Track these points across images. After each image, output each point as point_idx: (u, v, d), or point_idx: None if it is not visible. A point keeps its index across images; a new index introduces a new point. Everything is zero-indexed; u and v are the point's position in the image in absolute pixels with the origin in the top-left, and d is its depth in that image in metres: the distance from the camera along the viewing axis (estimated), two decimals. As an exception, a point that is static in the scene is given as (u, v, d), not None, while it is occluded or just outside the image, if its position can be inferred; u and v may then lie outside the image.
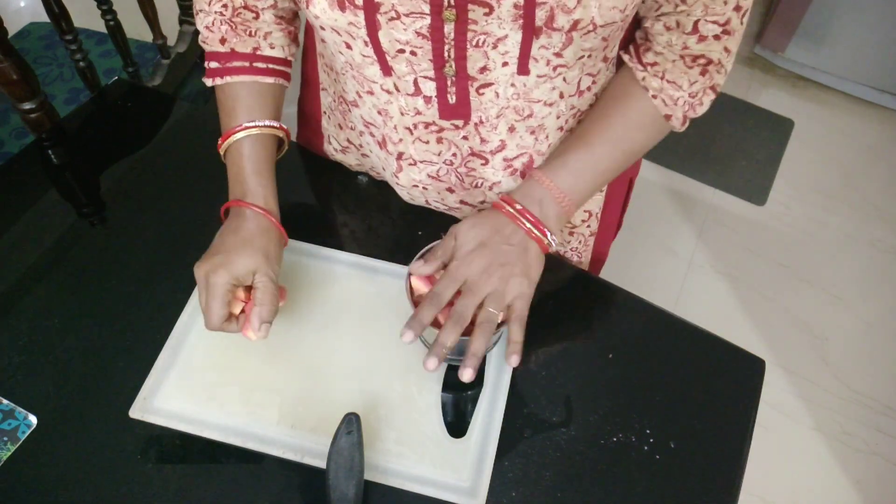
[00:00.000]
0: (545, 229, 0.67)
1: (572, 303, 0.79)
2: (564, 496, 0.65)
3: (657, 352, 0.75)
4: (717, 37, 0.64)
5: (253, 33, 0.72)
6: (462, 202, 0.79)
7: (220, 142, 0.71)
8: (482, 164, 0.72)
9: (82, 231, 0.82)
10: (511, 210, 0.67)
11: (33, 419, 0.66)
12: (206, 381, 0.68)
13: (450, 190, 0.77)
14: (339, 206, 0.87)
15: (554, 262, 0.82)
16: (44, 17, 1.22)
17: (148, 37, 1.45)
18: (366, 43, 0.60)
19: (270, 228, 0.68)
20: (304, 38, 0.82)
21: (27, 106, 1.06)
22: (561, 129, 0.71)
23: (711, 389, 0.73)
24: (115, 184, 0.87)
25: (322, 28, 0.62)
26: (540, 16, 0.55)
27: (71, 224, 0.83)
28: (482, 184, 0.75)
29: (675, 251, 1.91)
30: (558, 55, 0.60)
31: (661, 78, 0.67)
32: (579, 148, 0.69)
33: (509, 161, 0.72)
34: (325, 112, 0.86)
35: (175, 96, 1.33)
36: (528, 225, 0.66)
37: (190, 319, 0.72)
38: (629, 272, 1.84)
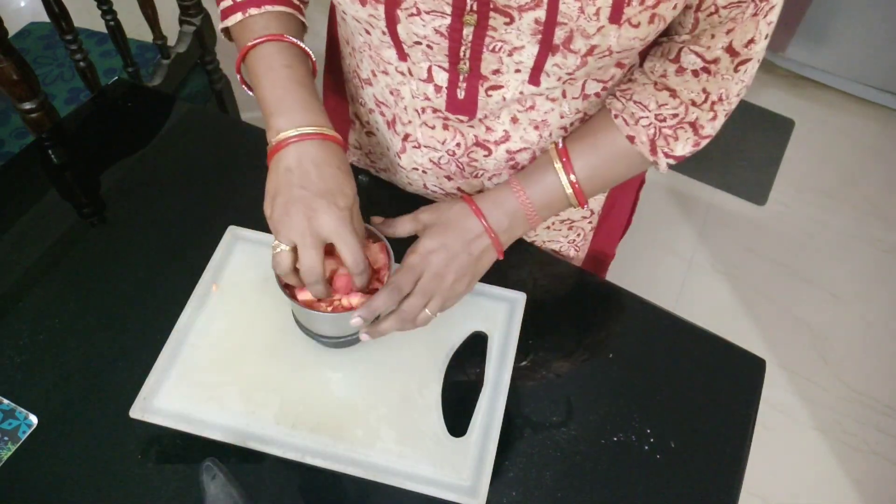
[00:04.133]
0: (502, 245, 0.67)
1: (572, 303, 0.79)
2: (564, 496, 0.65)
3: (657, 352, 0.75)
4: (695, 73, 0.61)
5: None
6: (459, 189, 0.79)
7: (243, 54, 0.64)
8: (485, 155, 0.72)
9: (82, 231, 0.82)
10: (483, 223, 0.66)
11: (34, 419, 0.66)
12: (206, 381, 0.68)
13: (448, 178, 0.77)
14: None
15: (555, 262, 0.82)
16: (44, 17, 1.22)
17: (148, 37, 1.45)
18: (384, 32, 0.61)
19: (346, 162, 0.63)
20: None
21: (27, 106, 1.06)
22: (565, 128, 0.71)
23: (711, 389, 0.73)
24: (115, 184, 0.87)
25: (344, 13, 0.63)
26: (559, 35, 0.55)
27: (71, 224, 0.83)
28: (482, 174, 0.75)
29: (675, 251, 1.91)
30: (570, 73, 0.60)
31: (628, 99, 0.65)
32: (560, 167, 0.67)
33: (512, 154, 0.72)
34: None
35: (175, 96, 1.33)
36: (493, 236, 0.66)
37: (190, 319, 0.72)
38: (630, 272, 1.84)
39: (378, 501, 0.63)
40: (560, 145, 0.68)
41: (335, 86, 0.86)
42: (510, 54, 0.59)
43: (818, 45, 2.19)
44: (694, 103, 0.64)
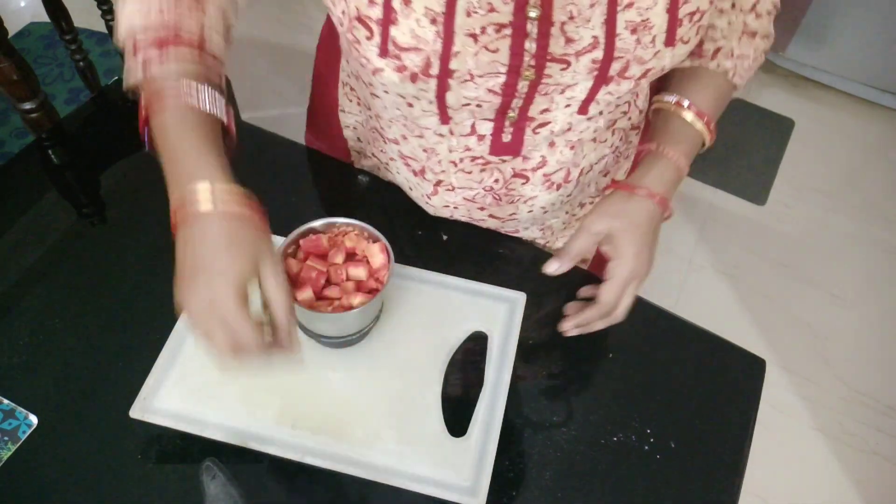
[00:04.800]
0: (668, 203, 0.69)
1: (572, 303, 0.79)
2: (564, 496, 0.65)
3: (657, 352, 0.75)
4: (769, 12, 0.68)
5: (202, 11, 0.58)
6: (490, 216, 0.78)
7: (144, 120, 0.57)
8: (522, 184, 0.72)
9: (82, 231, 0.82)
10: (652, 195, 0.67)
11: (34, 419, 0.66)
12: (206, 381, 0.68)
13: (481, 208, 0.77)
14: (341, 205, 0.86)
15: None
16: (44, 17, 1.22)
17: (148, 37, 1.44)
18: (430, 102, 0.60)
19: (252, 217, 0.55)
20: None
21: (27, 106, 1.06)
22: (594, 140, 0.71)
23: (711, 389, 0.73)
24: (115, 184, 0.87)
25: (385, 91, 0.61)
26: (615, 67, 0.56)
27: (71, 224, 0.83)
28: (517, 199, 0.75)
29: (675, 251, 1.91)
30: (620, 97, 0.61)
31: (731, 57, 0.69)
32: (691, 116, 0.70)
33: (548, 176, 0.72)
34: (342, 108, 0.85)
35: (175, 96, 1.33)
36: (665, 203, 0.68)
37: (190, 319, 0.71)
38: (629, 272, 1.84)
39: (378, 501, 0.63)
40: (675, 100, 0.70)
41: (324, 118, 0.85)
42: (562, 92, 0.59)
43: (818, 45, 2.19)
44: (765, 36, 0.70)
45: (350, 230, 0.68)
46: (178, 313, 0.52)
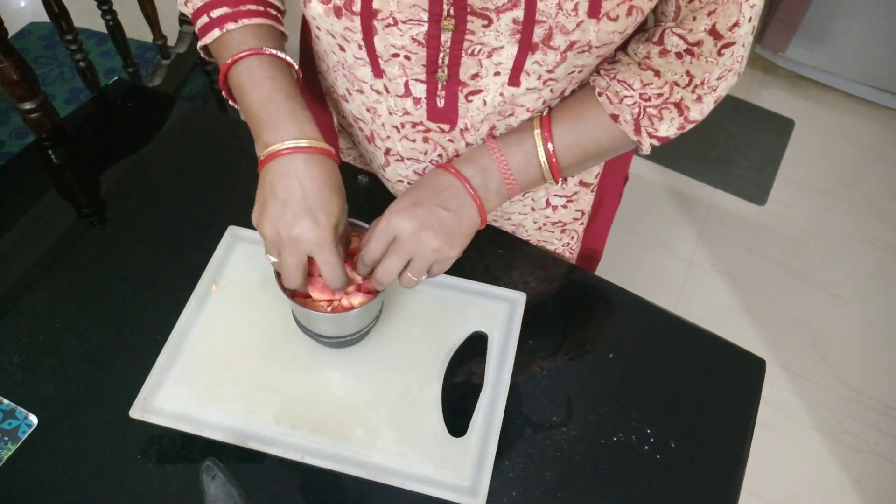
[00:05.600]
0: (481, 202, 0.64)
1: (572, 302, 0.79)
2: (564, 496, 0.65)
3: (657, 352, 0.75)
4: (678, 55, 0.61)
5: None
6: None
7: (225, 70, 0.62)
8: None
9: (82, 231, 0.82)
10: (454, 172, 0.64)
11: (34, 419, 0.66)
12: (206, 381, 0.68)
13: None
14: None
15: (556, 262, 0.82)
16: (44, 17, 1.22)
17: (148, 37, 1.45)
18: (360, 46, 0.60)
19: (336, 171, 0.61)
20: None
21: (27, 106, 1.06)
22: None
23: (711, 389, 0.73)
24: (115, 184, 0.87)
25: (318, 28, 0.62)
26: (538, 33, 0.55)
27: (71, 224, 0.83)
28: None
29: (675, 251, 1.91)
30: (550, 71, 0.60)
31: (612, 78, 0.64)
32: (538, 132, 0.65)
33: None
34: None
35: (175, 96, 1.33)
36: (468, 187, 0.63)
37: (190, 319, 0.72)
38: (629, 272, 1.84)
39: (378, 501, 0.63)
40: (544, 114, 0.66)
41: (312, 96, 0.85)
42: (489, 56, 0.59)
43: (818, 45, 2.19)
44: (677, 84, 0.62)
45: (350, 230, 0.68)
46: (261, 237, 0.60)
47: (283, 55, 0.63)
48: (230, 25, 0.62)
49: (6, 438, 0.65)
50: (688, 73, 0.62)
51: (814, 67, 2.27)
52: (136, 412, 0.65)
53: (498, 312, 0.75)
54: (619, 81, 0.63)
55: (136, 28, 1.50)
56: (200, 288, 0.74)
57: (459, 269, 0.77)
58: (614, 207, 0.92)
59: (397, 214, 0.61)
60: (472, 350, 0.72)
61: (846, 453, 1.58)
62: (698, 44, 0.60)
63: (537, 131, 0.64)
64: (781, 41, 2.25)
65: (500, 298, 0.75)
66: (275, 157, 0.59)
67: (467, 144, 0.69)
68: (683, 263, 1.89)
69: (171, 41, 1.47)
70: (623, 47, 0.65)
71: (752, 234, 1.95)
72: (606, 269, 0.97)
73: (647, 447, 0.68)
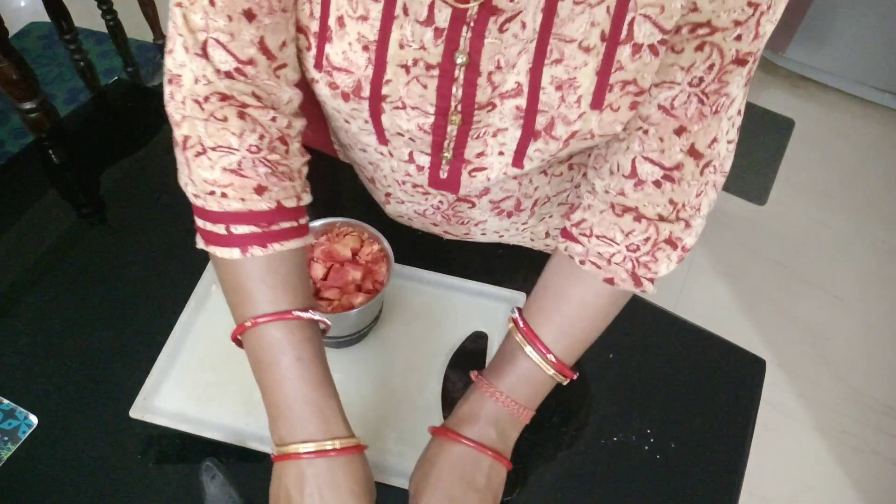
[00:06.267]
0: (502, 455, 0.58)
1: (572, 303, 0.79)
2: (564, 496, 0.65)
3: (657, 352, 0.75)
4: (657, 183, 0.54)
5: (292, 176, 0.55)
6: (446, 232, 0.78)
7: (241, 330, 0.54)
8: (469, 207, 0.71)
9: (82, 231, 0.82)
10: (468, 444, 0.57)
11: (34, 419, 0.66)
12: (206, 381, 0.68)
13: (434, 224, 0.76)
14: (341, 205, 0.86)
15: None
16: (44, 17, 1.22)
17: (148, 37, 1.45)
18: (366, 121, 0.59)
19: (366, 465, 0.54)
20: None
21: (27, 106, 1.06)
22: (545, 172, 0.68)
23: (711, 389, 0.73)
24: (115, 184, 0.87)
25: (324, 102, 0.61)
26: (540, 121, 0.54)
27: (71, 224, 0.83)
28: (468, 221, 0.74)
29: (675, 251, 1.91)
30: (553, 155, 0.58)
31: (588, 236, 0.57)
32: (531, 350, 0.59)
33: (496, 203, 0.71)
34: None
35: (175, 96, 1.33)
36: (488, 452, 0.57)
37: (190, 319, 0.71)
38: (629, 272, 1.84)
39: (378, 501, 0.63)
40: (521, 324, 0.59)
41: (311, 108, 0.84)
42: (494, 136, 0.58)
43: (818, 45, 2.19)
44: (662, 218, 0.56)
45: (350, 230, 0.68)
46: None
47: (312, 315, 0.53)
48: (257, 251, 0.52)
49: (6, 438, 0.65)
50: (671, 201, 0.55)
51: (814, 67, 2.27)
52: (136, 412, 0.65)
53: (498, 312, 0.74)
54: (598, 238, 0.57)
55: (136, 28, 1.50)
56: (200, 288, 0.74)
57: (459, 269, 0.77)
58: None
59: None
60: (472, 350, 0.72)
61: (846, 453, 1.58)
62: (678, 167, 0.54)
63: (528, 349, 0.58)
64: (782, 41, 2.25)
65: (500, 298, 0.75)
66: (291, 459, 0.52)
67: (471, 206, 0.69)
68: (683, 263, 1.89)
69: (171, 41, 1.47)
70: (589, 181, 0.60)
71: (752, 234, 1.95)
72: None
73: (647, 447, 0.68)
